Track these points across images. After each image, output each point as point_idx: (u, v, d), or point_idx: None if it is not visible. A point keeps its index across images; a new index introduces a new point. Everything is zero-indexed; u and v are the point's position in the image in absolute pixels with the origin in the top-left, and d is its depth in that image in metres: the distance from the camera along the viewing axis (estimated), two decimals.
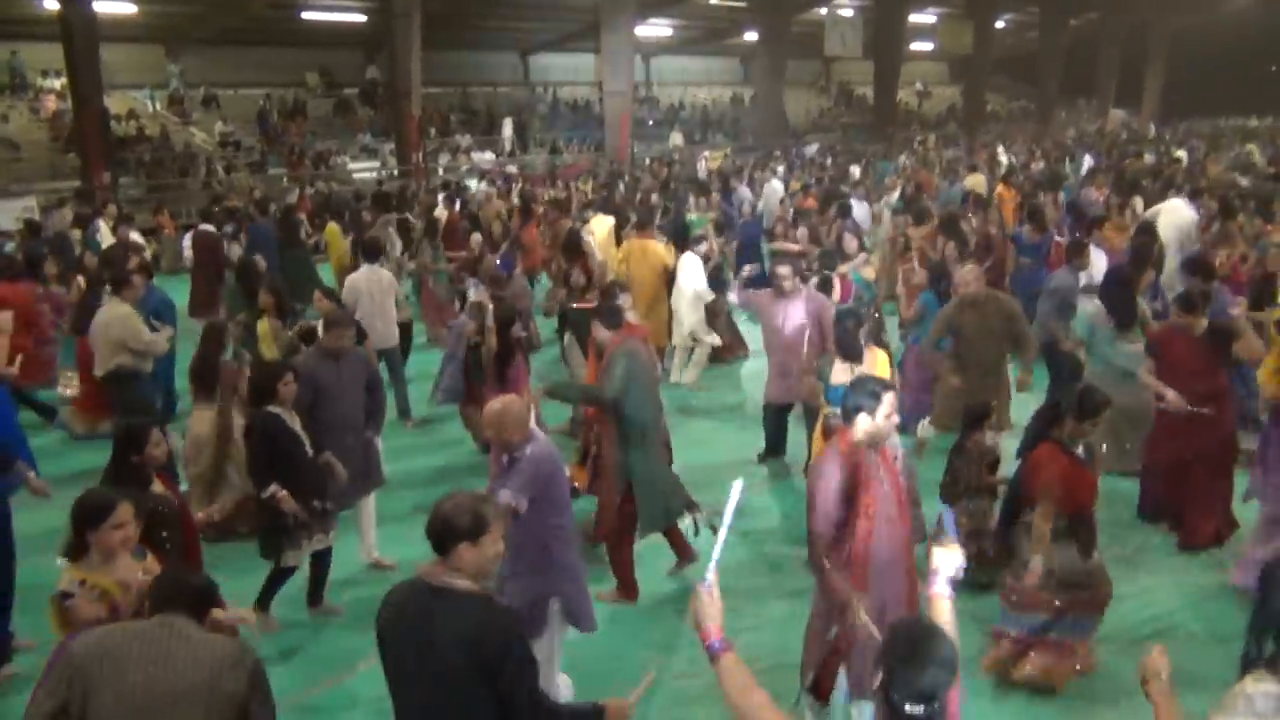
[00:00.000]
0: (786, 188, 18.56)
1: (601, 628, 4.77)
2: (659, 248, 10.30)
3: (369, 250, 9.03)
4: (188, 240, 13.89)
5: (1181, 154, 22.89)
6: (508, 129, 32.28)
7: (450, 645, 2.83)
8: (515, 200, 16.83)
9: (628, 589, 5.79)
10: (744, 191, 17.16)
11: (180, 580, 3.14)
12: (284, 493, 5.22)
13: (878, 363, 6.11)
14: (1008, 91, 52.28)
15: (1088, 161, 21.19)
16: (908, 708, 2.18)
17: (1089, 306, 7.60)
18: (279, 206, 16.00)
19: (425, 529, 2.98)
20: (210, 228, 13.31)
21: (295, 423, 5.43)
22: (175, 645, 2.91)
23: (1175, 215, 10.90)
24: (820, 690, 4.26)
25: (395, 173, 25.79)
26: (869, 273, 9.39)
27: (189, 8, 27.09)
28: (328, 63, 32.24)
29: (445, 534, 2.92)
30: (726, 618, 2.67)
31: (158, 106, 27.66)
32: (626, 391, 5.50)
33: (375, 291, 8.65)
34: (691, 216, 13.36)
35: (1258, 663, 2.64)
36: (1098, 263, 8.67)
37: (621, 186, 19.55)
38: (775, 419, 7.71)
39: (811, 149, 30.28)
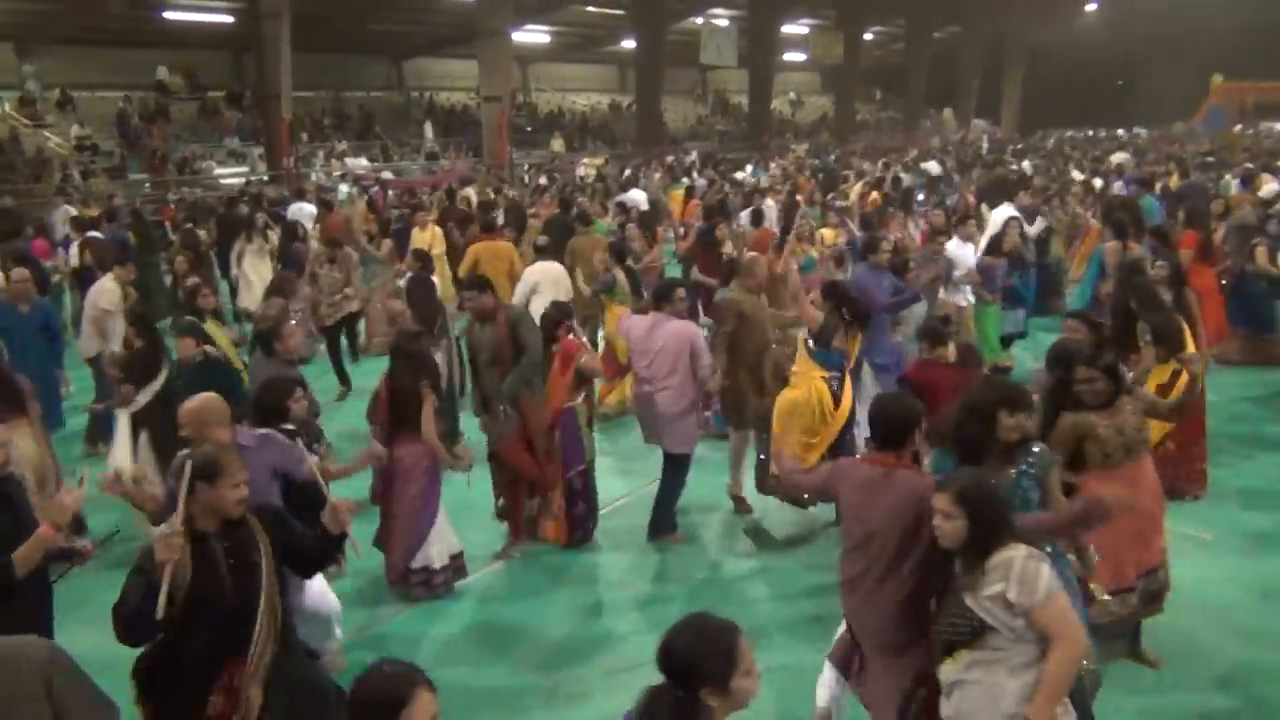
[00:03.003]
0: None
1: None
2: (509, 249, 10.51)
3: (98, 261, 8.94)
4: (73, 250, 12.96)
5: (1025, 164, 23.98)
6: (429, 131, 31.78)
7: None
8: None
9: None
10: (634, 195, 17.03)
11: None
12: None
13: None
14: (877, 101, 53.97)
15: (935, 170, 22.03)
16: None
17: None
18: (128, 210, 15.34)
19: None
20: (98, 234, 12.69)
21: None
22: None
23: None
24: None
25: (266, 178, 25.08)
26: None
27: (43, 5, 25.82)
28: (193, 64, 31.12)
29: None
30: None
31: (6, 108, 26.25)
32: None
33: (100, 304, 8.67)
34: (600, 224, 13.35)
35: None
36: (962, 253, 9.36)
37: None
38: None
39: (691, 156, 30.64)
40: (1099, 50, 45.80)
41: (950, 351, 5.89)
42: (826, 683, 4.06)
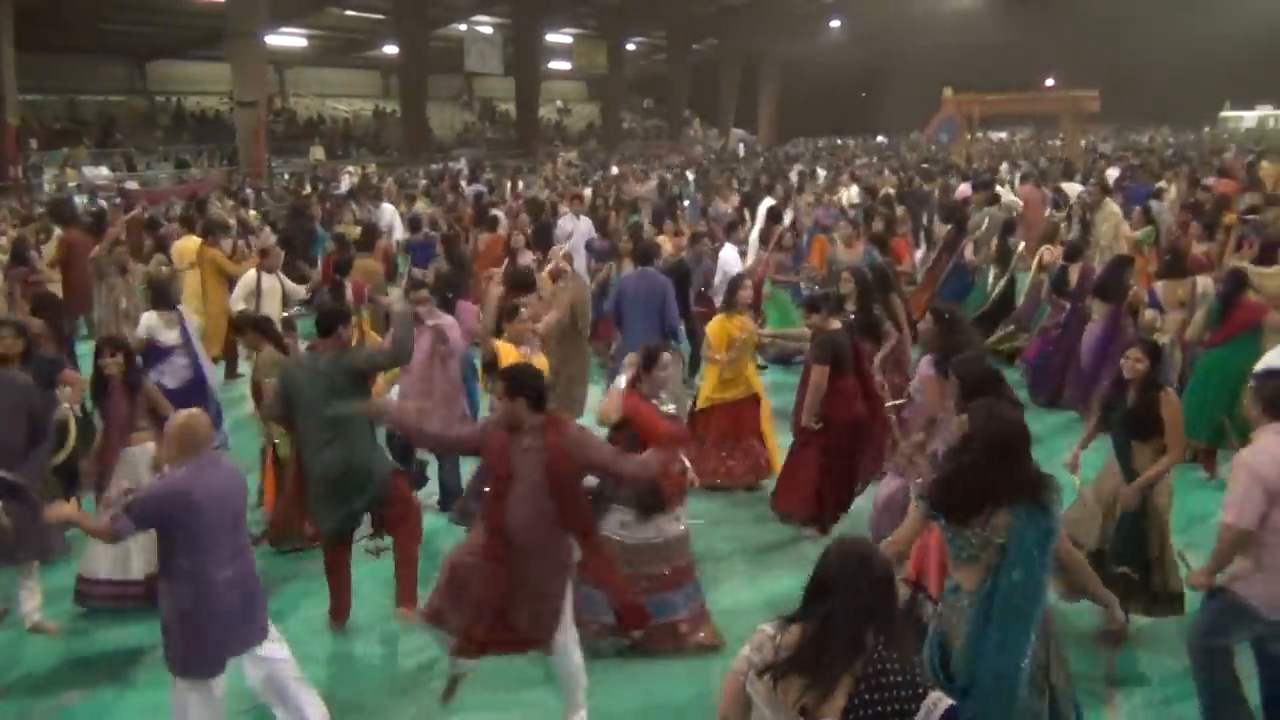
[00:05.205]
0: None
1: None
2: (222, 256, 10.42)
3: None
4: None
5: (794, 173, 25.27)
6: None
7: None
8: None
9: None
10: (386, 209, 16.75)
11: None
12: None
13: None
14: (644, 110, 55.32)
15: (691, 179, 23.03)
16: None
17: None
18: None
19: None
20: None
21: None
22: None
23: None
24: None
25: None
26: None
27: None
28: None
29: None
30: None
31: None
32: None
33: None
34: None
35: None
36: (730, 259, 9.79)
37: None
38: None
39: (460, 164, 30.38)
40: (844, 65, 49.09)
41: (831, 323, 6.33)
42: None
